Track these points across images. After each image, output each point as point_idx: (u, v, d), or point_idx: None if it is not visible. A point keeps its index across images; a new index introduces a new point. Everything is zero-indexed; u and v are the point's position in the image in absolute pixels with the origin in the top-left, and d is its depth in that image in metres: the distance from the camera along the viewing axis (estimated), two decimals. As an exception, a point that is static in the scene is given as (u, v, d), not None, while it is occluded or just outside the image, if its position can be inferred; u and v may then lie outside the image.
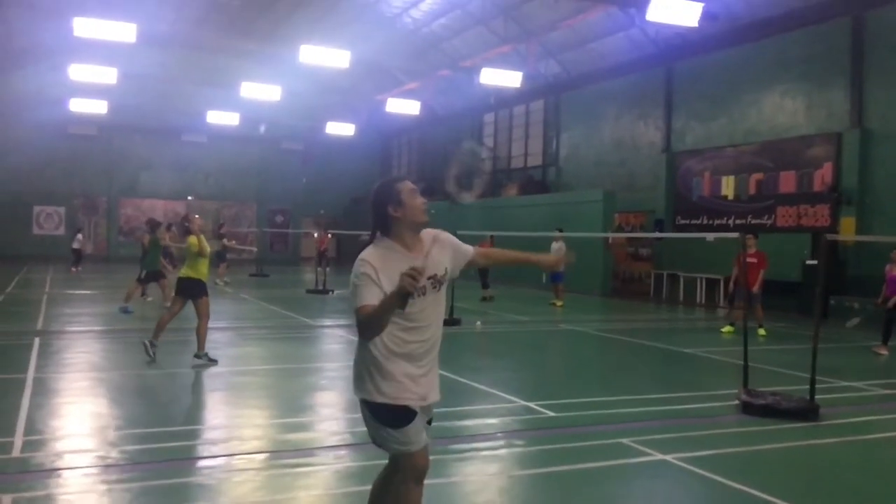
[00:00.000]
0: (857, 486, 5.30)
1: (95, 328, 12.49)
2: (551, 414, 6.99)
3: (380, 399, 3.16)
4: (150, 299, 16.26)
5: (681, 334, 14.41)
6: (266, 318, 14.60)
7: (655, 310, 19.43)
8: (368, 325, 3.01)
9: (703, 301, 20.44)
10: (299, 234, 38.57)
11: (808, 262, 17.49)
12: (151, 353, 9.20)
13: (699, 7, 15.81)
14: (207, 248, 9.29)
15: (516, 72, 23.24)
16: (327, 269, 21.62)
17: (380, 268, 3.06)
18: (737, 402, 7.41)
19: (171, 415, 6.90)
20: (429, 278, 3.18)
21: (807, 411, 6.98)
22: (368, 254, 3.13)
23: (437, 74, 29.15)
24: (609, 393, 8.10)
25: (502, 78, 23.34)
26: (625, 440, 6.08)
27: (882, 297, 11.95)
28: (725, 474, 5.24)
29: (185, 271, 9.25)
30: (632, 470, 5.44)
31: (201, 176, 37.48)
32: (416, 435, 3.21)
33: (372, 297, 3.00)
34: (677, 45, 21.93)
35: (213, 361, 9.17)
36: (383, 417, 3.17)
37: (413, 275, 2.83)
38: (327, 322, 14.45)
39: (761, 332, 13.54)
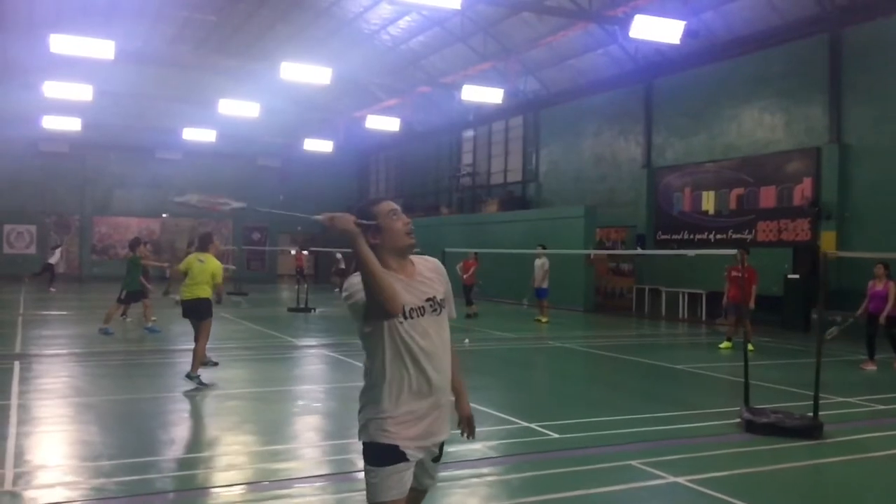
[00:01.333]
0: (872, 507, 5.26)
1: (76, 351, 12.16)
2: (555, 435, 6.87)
3: (375, 437, 2.89)
4: (129, 319, 15.90)
5: (668, 350, 14.40)
6: (251, 337, 14.35)
7: (639, 325, 19.45)
8: (372, 290, 2.71)
9: (686, 316, 20.52)
10: (276, 252, 38.23)
11: (790, 276, 17.66)
12: (203, 383, 8.98)
13: (681, 25, 15.94)
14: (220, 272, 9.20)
15: (497, 88, 23.27)
16: (304, 286, 21.45)
17: None
18: (739, 420, 7.37)
19: (162, 443, 6.67)
20: (427, 300, 2.98)
21: (811, 429, 6.94)
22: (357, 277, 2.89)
23: (417, 91, 29.14)
24: (609, 412, 8.02)
25: (483, 94, 23.36)
26: (634, 462, 5.98)
27: (863, 310, 11.99)
28: (742, 497, 5.15)
29: (185, 294, 9.09)
30: (647, 494, 5.33)
31: (176, 193, 36.66)
32: (393, 484, 2.85)
33: None
34: (657, 61, 22.13)
35: (204, 385, 8.96)
36: (370, 455, 2.90)
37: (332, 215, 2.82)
38: (312, 341, 14.25)
39: (749, 347, 13.53)
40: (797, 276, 17.57)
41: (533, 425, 7.19)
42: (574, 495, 5.25)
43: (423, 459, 2.99)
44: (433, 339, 2.96)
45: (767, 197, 19.39)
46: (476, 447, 6.44)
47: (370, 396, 2.94)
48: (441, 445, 3.06)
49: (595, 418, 7.63)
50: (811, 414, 7.19)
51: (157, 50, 27.85)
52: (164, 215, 36.75)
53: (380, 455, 2.86)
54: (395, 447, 2.85)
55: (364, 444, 2.92)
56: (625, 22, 16.37)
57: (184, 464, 6.00)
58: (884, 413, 8.33)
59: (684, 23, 16.05)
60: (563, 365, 12.42)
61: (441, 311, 3.02)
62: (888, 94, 16.68)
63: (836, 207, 17.61)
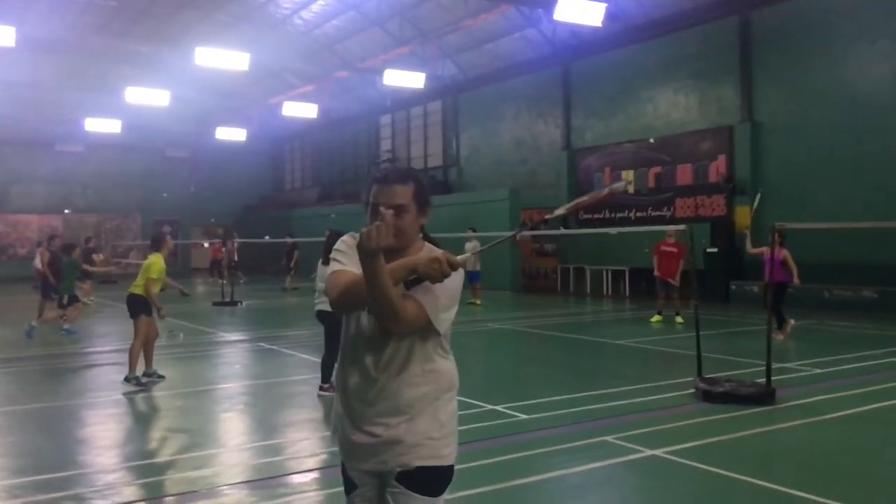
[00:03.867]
0: (849, 467, 5.50)
1: (-5, 357, 11.41)
2: (523, 416, 6.90)
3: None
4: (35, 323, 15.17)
5: (604, 326, 14.74)
6: (184, 333, 13.81)
7: (568, 304, 19.82)
8: (337, 292, 2.37)
9: (610, 293, 21.05)
10: (189, 245, 36.99)
11: (709, 250, 18.34)
12: (142, 383, 8.60)
13: (602, 7, 16.21)
14: (158, 273, 8.71)
15: (419, 73, 23.12)
16: (222, 280, 21.00)
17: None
18: (694, 390, 7.59)
19: (98, 451, 6.31)
20: None
21: (765, 396, 7.22)
22: (349, 236, 2.52)
23: (333, 77, 28.64)
24: (568, 390, 8.10)
25: (405, 79, 23.16)
26: (608, 438, 6.06)
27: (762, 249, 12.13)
28: (723, 466, 5.30)
29: (134, 288, 8.67)
30: (629, 468, 5.41)
31: (79, 188, 35.28)
32: None
33: (345, 266, 2.43)
34: (573, 45, 22.47)
35: (143, 385, 8.57)
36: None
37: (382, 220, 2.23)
38: (244, 336, 13.85)
39: (678, 319, 14.05)
40: (716, 250, 18.27)
41: (498, 407, 7.20)
42: (557, 475, 5.27)
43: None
44: (368, 335, 2.47)
45: (684, 175, 20.04)
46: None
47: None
48: (419, 475, 2.46)
49: (556, 397, 7.70)
50: (763, 381, 7.47)
51: (55, 37, 26.30)
52: (66, 211, 35.00)
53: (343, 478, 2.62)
54: (343, 467, 2.60)
55: None
56: (549, 5, 16.51)
57: (119, 474, 5.65)
58: (823, 377, 8.75)
59: (605, 5, 16.32)
60: (507, 346, 12.51)
61: None
62: (795, 73, 17.48)
63: (749, 183, 18.37)
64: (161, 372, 9.05)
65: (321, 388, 8.03)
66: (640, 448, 5.75)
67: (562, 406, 7.29)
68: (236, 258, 27.93)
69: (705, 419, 6.71)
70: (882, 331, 12.72)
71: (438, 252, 2.37)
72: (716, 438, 6.06)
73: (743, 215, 18.43)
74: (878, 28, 16.07)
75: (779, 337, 11.86)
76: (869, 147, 16.06)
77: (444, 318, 2.48)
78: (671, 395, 7.70)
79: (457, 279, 2.44)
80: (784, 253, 12.00)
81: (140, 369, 8.79)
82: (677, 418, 6.75)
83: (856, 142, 16.27)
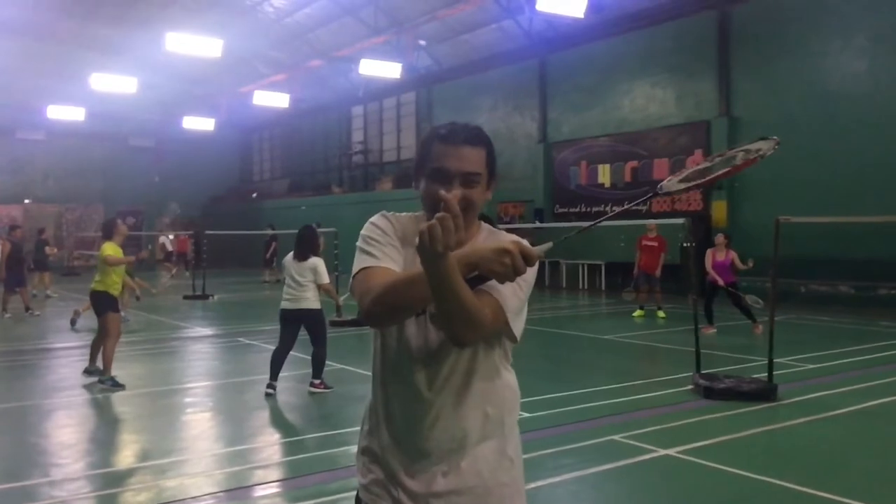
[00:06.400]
0: (863, 464, 5.41)
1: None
2: (526, 414, 6.70)
3: (357, 480, 2.07)
4: (8, 315, 14.68)
5: (587, 321, 14.65)
6: (158, 329, 13.40)
7: (546, 298, 19.70)
8: (371, 298, 1.80)
9: (586, 287, 21.01)
10: (152, 237, 36.18)
11: (685, 244, 18.36)
12: (118, 384, 8.11)
13: (585, -2, 16.10)
14: (114, 257, 8.23)
15: (395, 63, 22.79)
16: (186, 272, 20.60)
17: (396, 231, 1.99)
18: (693, 386, 7.48)
19: (58, 458, 6.00)
20: None
21: (767, 392, 7.13)
22: (381, 216, 2.04)
23: (305, 66, 28.16)
24: (565, 387, 7.93)
25: (381, 69, 22.82)
26: (616, 437, 5.91)
27: (711, 279, 12.22)
28: (744, 466, 5.18)
29: (95, 284, 8.23)
30: (645, 469, 5.25)
31: (40, 177, 34.29)
32: None
33: (380, 261, 1.91)
34: (550, 37, 22.33)
35: (120, 386, 8.14)
36: None
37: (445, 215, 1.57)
38: (219, 331, 13.45)
39: (660, 314, 14.03)
40: (692, 245, 18.26)
41: (498, 405, 6.99)
42: (572, 477, 5.08)
43: None
44: (407, 359, 1.94)
45: (661, 169, 20.03)
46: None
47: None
48: None
49: (554, 394, 7.52)
50: (760, 376, 7.39)
51: (17, 18, 25.43)
52: (26, 201, 33.99)
53: None
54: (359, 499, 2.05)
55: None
56: (529, -4, 16.33)
57: (99, 480, 5.34)
58: (816, 372, 8.69)
59: (588, -3, 16.20)
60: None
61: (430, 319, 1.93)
62: (773, 69, 17.54)
63: (725, 179, 18.38)
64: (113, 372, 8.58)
65: (311, 385, 7.76)
66: (652, 447, 5.60)
67: (562, 403, 7.12)
68: (170, 249, 26.82)
69: (710, 416, 6.58)
70: (861, 326, 12.83)
71: (507, 241, 1.76)
72: (727, 437, 5.93)
73: (720, 211, 18.53)
74: (857, 24, 16.18)
75: (707, 331, 11.88)
76: (845, 143, 16.16)
77: (522, 320, 1.99)
78: (670, 391, 7.57)
79: (535, 272, 1.96)
80: (732, 255, 12.23)
81: (109, 368, 8.33)
82: (682, 416, 6.62)
83: (832, 138, 16.36)
